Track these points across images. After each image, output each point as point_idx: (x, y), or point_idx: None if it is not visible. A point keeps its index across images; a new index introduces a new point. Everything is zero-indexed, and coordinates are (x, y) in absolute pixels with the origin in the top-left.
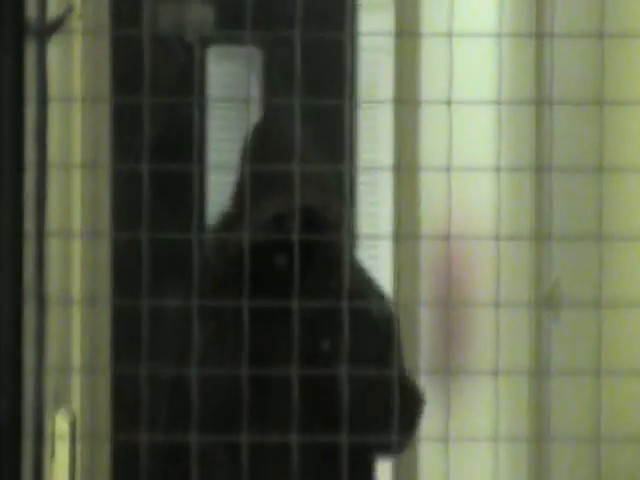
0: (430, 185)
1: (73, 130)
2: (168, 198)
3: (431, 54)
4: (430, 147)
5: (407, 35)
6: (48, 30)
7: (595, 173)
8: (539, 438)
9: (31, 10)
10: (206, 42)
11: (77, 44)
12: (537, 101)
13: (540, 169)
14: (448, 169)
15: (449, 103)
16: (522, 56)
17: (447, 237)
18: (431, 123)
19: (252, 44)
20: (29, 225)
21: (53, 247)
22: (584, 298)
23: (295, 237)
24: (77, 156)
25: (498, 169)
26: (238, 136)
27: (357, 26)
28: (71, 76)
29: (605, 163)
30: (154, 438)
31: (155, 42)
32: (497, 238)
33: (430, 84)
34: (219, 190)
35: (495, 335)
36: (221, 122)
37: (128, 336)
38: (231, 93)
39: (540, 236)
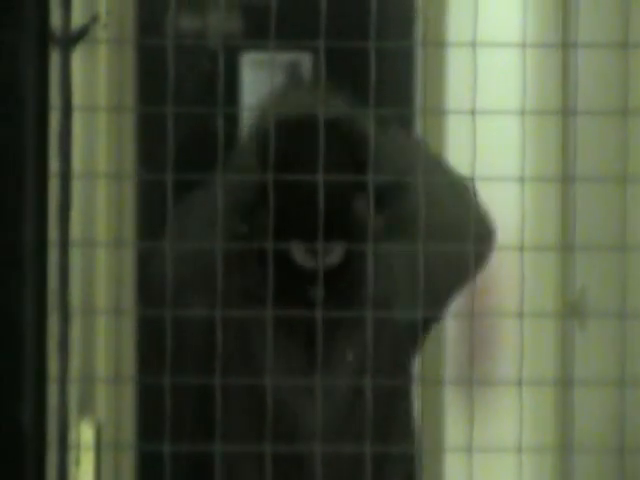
0: None
1: (98, 139)
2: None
3: (456, 64)
4: (455, 157)
5: (432, 45)
6: (72, 39)
7: (620, 183)
8: (563, 449)
9: (55, 19)
10: (239, 50)
11: (102, 53)
12: (562, 111)
13: (565, 179)
14: (473, 179)
15: (473, 113)
16: (547, 66)
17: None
18: (456, 132)
19: (287, 51)
20: (53, 235)
21: (77, 257)
22: (609, 308)
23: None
24: (102, 165)
25: (522, 179)
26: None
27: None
28: (96, 85)
29: (630, 173)
30: (178, 448)
31: (180, 51)
32: (522, 249)
33: (455, 94)
34: None
35: (520, 345)
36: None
37: (153, 345)
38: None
39: (565, 247)
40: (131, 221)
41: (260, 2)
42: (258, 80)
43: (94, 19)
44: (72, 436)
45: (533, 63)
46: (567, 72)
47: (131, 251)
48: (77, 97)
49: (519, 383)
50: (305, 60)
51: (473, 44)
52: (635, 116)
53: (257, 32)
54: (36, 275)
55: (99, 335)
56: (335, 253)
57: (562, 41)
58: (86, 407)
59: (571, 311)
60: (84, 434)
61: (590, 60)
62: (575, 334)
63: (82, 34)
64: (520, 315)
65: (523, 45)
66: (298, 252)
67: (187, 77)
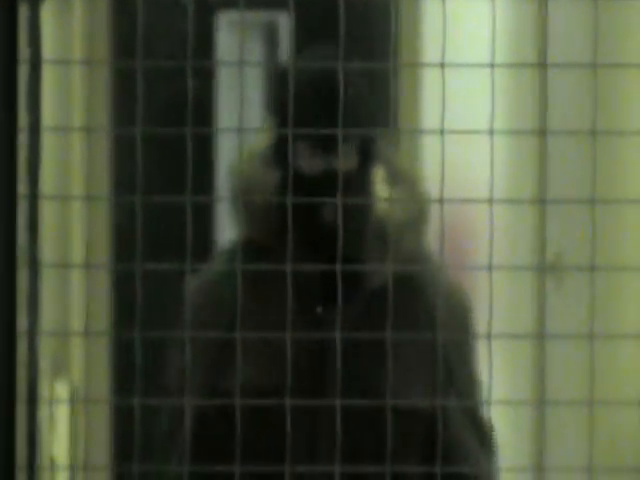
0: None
1: (72, 93)
2: (169, 163)
3: (430, 84)
4: (429, 179)
5: (407, 65)
6: None
7: (589, 203)
8: (538, 401)
9: None
10: (213, 8)
11: (75, 7)
12: (535, 130)
13: (534, 200)
14: (441, 201)
15: (442, 132)
16: (520, 86)
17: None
18: (431, 154)
19: (264, 10)
20: (23, 189)
21: (50, 212)
22: (584, 264)
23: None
24: (75, 120)
25: (491, 201)
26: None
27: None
28: (69, 39)
29: (599, 193)
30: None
31: (153, 6)
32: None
33: (430, 112)
34: (227, 152)
35: (498, 299)
36: (231, 89)
37: (126, 302)
38: (238, 59)
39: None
40: (105, 175)
41: None
42: (234, 40)
43: None
44: (47, 393)
45: (504, 83)
46: (540, 91)
47: (105, 205)
48: (50, 50)
49: (488, 337)
50: (283, 21)
51: (442, 65)
52: (604, 136)
53: None
54: (5, 229)
55: (73, 291)
56: (349, 156)
57: (532, 61)
58: (61, 366)
59: (545, 266)
60: (59, 391)
61: (561, 81)
62: (550, 289)
63: None
64: (489, 268)
65: (491, 65)
66: (303, 155)
67: (161, 34)
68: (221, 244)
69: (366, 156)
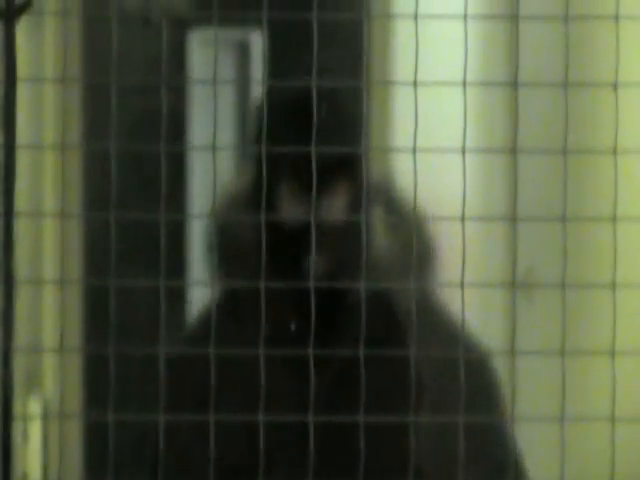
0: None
1: (45, 111)
2: (142, 178)
3: (402, 102)
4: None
5: (378, 84)
6: (15, 11)
7: (561, 221)
8: (510, 416)
9: None
10: (186, 26)
11: (48, 26)
12: (506, 148)
13: (506, 218)
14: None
15: (415, 151)
16: (491, 104)
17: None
18: (403, 172)
19: (235, 27)
20: None
21: (24, 228)
22: (556, 281)
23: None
24: (49, 137)
25: (463, 219)
26: (219, 119)
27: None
28: (42, 58)
29: (570, 211)
30: (123, 417)
31: (124, 24)
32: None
33: (401, 130)
34: (200, 170)
35: (469, 314)
36: (202, 107)
37: (99, 317)
38: (211, 77)
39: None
40: (77, 191)
41: None
42: (207, 58)
43: None
44: (20, 409)
45: (476, 100)
46: (511, 109)
47: (77, 222)
48: (23, 69)
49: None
50: (256, 39)
51: (415, 83)
52: (575, 154)
53: (206, 9)
54: None
55: (45, 307)
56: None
57: (503, 80)
58: (34, 381)
59: (517, 283)
60: (32, 407)
61: (533, 98)
62: (521, 305)
63: (25, 7)
64: (461, 285)
65: (464, 84)
66: (286, 201)
67: (134, 52)
68: (200, 305)
69: (359, 196)
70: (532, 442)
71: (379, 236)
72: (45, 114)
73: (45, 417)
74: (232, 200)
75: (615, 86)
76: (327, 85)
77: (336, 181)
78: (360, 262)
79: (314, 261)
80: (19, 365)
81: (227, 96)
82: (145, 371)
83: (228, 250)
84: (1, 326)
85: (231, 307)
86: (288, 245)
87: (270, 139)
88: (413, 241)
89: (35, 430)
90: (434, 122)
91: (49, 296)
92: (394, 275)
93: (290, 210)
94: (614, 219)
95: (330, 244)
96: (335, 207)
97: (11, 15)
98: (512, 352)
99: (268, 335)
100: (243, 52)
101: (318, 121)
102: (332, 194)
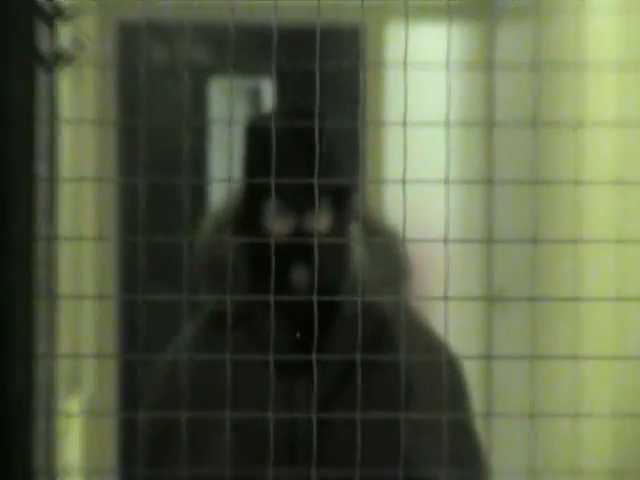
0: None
1: (85, 148)
2: (167, 207)
3: (393, 139)
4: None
5: (372, 124)
6: (58, 61)
7: (531, 243)
8: (487, 414)
9: (43, 43)
10: (208, 73)
11: (88, 74)
12: (484, 179)
13: (483, 240)
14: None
15: (404, 181)
16: (470, 140)
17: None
18: (393, 200)
19: (252, 76)
20: (42, 230)
21: (65, 249)
22: (526, 294)
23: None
24: (88, 171)
25: (446, 241)
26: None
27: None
28: (83, 101)
29: (540, 234)
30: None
31: (153, 73)
32: (446, 241)
33: (392, 163)
34: (219, 198)
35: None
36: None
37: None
38: (228, 118)
39: (484, 239)
40: (112, 218)
41: (223, 36)
42: (224, 102)
43: (78, 44)
44: (61, 408)
45: (457, 138)
46: (488, 145)
47: (113, 245)
48: (66, 112)
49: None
50: (266, 85)
51: (404, 123)
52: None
53: (225, 62)
54: (25, 266)
55: (86, 319)
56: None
57: (481, 119)
58: (75, 383)
59: (492, 297)
60: (72, 407)
61: (510, 137)
62: (496, 317)
63: (67, 57)
64: (445, 299)
65: (447, 123)
66: (271, 215)
67: (161, 96)
68: (190, 315)
69: (340, 215)
70: (506, 435)
71: (358, 253)
72: (85, 151)
73: (84, 414)
74: (222, 222)
75: (577, 126)
76: (328, 126)
77: (321, 203)
78: (342, 275)
79: (300, 274)
80: (62, 369)
81: (242, 135)
82: (170, 375)
83: (217, 267)
84: (45, 335)
85: (221, 320)
86: (276, 260)
87: (268, 168)
88: (387, 258)
89: (75, 425)
90: (421, 157)
91: (89, 309)
92: (371, 287)
93: (278, 228)
94: (575, 241)
95: (313, 260)
96: (319, 227)
97: (55, 65)
98: (488, 357)
99: (263, 343)
100: (255, 97)
101: (312, 155)
102: (317, 215)
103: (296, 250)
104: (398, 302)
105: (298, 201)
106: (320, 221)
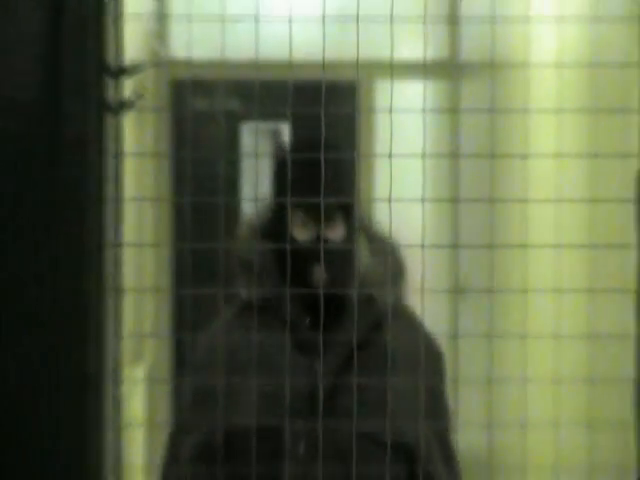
0: None
1: (144, 175)
2: (208, 220)
3: (381, 169)
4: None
5: (364, 155)
6: (123, 108)
7: (488, 248)
8: (454, 379)
9: (111, 94)
10: (239, 118)
11: (147, 118)
12: (452, 198)
13: (452, 245)
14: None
15: (390, 200)
16: (442, 170)
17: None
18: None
19: (273, 120)
20: (111, 239)
21: (130, 254)
22: (484, 287)
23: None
24: (148, 192)
25: (423, 246)
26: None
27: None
28: (144, 138)
29: (495, 240)
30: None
31: (197, 118)
32: (423, 246)
33: (380, 188)
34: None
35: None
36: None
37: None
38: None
39: (451, 245)
40: (167, 230)
41: (250, 89)
42: (252, 140)
43: (140, 93)
44: (127, 376)
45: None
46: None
47: (167, 250)
48: (129, 146)
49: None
50: (284, 128)
51: (390, 155)
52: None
53: (252, 110)
54: (98, 267)
55: (146, 307)
56: (337, 228)
57: (450, 151)
58: (138, 355)
59: (458, 289)
60: (136, 374)
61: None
62: (460, 305)
63: (129, 105)
64: (422, 292)
65: (423, 155)
66: (296, 224)
67: (204, 135)
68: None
69: (351, 226)
70: (468, 401)
71: (364, 256)
72: (144, 177)
73: (145, 381)
74: (255, 229)
75: (524, 157)
76: (331, 157)
77: (335, 217)
78: (351, 274)
79: (318, 273)
80: (127, 346)
81: (265, 165)
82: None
83: (253, 266)
84: (114, 320)
85: (251, 307)
86: (299, 261)
87: (293, 189)
88: (388, 260)
89: (139, 390)
90: (403, 181)
91: (148, 300)
92: (375, 284)
93: (301, 236)
94: (522, 246)
95: (330, 261)
96: (333, 235)
97: (120, 111)
98: (455, 335)
99: (287, 327)
100: (276, 136)
101: (326, 177)
102: (332, 226)
103: (315, 254)
104: (396, 296)
105: (316, 214)
106: (334, 230)
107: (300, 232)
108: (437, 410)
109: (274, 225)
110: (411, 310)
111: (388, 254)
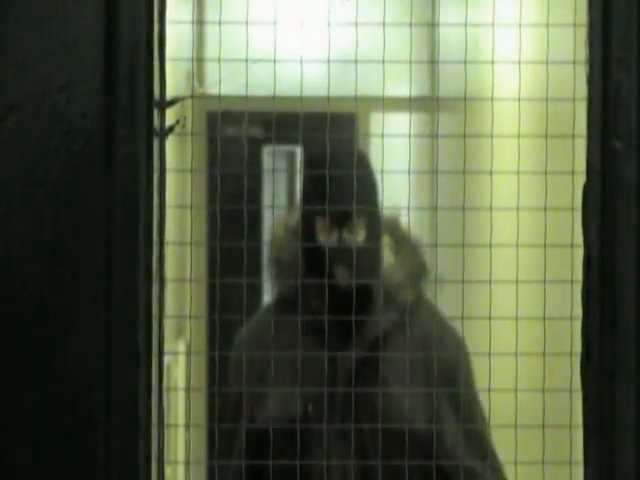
0: None
1: (185, 188)
2: (235, 224)
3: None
4: None
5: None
6: (166, 133)
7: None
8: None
9: (156, 122)
10: (259, 143)
11: (187, 140)
12: (433, 207)
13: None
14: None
15: (381, 210)
16: (425, 185)
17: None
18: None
19: (288, 144)
20: (156, 238)
21: (172, 251)
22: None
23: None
24: (187, 201)
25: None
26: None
27: None
28: (184, 158)
29: (465, 240)
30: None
31: (227, 141)
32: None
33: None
34: (268, 220)
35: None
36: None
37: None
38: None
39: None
40: (202, 228)
41: (269, 118)
42: (271, 160)
43: (180, 121)
44: (170, 349)
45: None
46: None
47: (203, 247)
48: (171, 164)
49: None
50: (298, 150)
51: (382, 171)
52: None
53: (270, 136)
54: (145, 261)
55: (186, 295)
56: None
57: (430, 169)
58: (180, 332)
59: (437, 280)
60: (179, 346)
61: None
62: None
63: (172, 131)
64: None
65: (409, 172)
66: (320, 228)
67: (231, 155)
68: (264, 301)
69: (372, 229)
70: None
71: (387, 256)
72: (184, 192)
73: (187, 354)
74: (286, 230)
75: (492, 172)
76: (336, 173)
77: (356, 222)
78: (374, 272)
79: (343, 274)
80: (170, 324)
81: (281, 180)
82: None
83: (283, 264)
84: (158, 303)
85: (285, 303)
86: (323, 262)
87: (315, 198)
88: (411, 259)
89: (181, 361)
90: (391, 192)
91: (187, 289)
92: (397, 281)
93: (325, 238)
94: (487, 245)
95: (351, 261)
96: (356, 236)
97: (164, 136)
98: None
99: (312, 321)
100: (291, 157)
101: (349, 186)
102: (353, 230)
103: (338, 255)
104: (418, 293)
105: (340, 219)
106: (357, 234)
107: (324, 236)
108: (472, 407)
109: (303, 229)
110: (434, 305)
111: (411, 255)
